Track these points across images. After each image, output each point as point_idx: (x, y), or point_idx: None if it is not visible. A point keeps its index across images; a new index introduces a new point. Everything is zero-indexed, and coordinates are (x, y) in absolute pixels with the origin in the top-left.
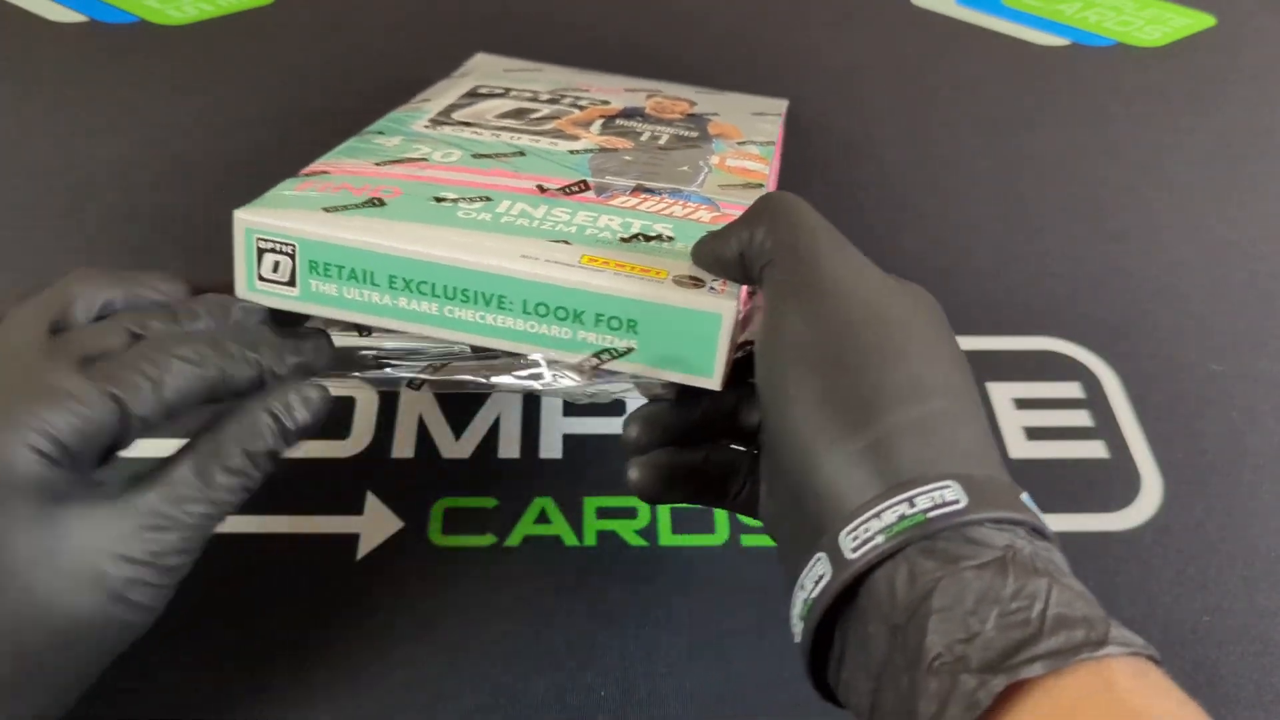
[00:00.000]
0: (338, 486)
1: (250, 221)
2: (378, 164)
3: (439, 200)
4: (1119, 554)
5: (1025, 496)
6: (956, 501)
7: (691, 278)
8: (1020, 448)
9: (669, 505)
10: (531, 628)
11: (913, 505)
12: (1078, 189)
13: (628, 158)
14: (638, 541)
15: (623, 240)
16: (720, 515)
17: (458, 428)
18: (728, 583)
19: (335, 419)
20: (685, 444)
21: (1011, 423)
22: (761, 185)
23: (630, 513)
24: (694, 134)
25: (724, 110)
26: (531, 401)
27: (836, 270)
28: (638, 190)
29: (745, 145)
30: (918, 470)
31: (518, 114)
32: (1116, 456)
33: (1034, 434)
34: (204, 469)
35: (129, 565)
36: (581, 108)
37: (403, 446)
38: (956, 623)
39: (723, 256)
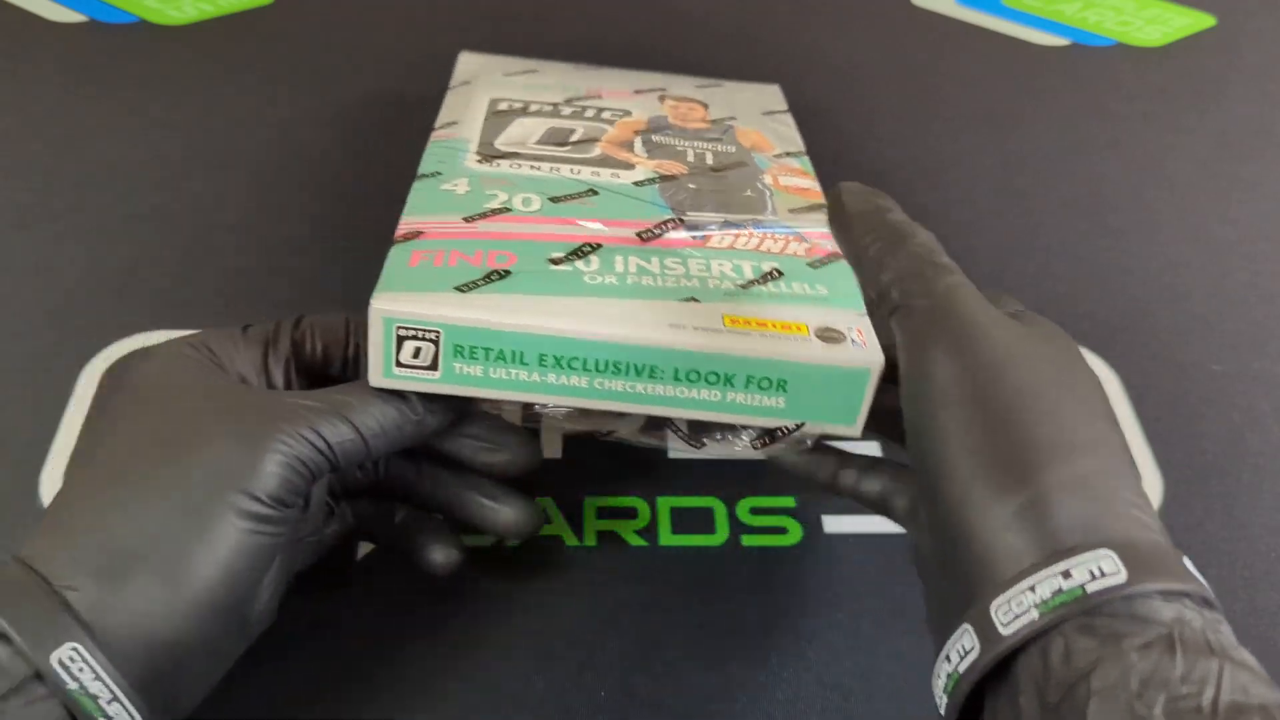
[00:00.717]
0: None
1: (389, 311)
2: (467, 219)
3: (555, 263)
4: None
5: (1186, 560)
6: (1116, 573)
7: (830, 329)
8: None
9: (673, 503)
10: (531, 628)
11: (1069, 577)
12: (1078, 189)
13: (692, 185)
14: (638, 541)
15: (742, 287)
16: (720, 515)
17: None
18: (728, 583)
19: None
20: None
21: None
22: (818, 203)
23: (630, 513)
24: (732, 148)
25: (735, 112)
26: None
27: (976, 315)
28: (725, 226)
29: (783, 159)
30: (1076, 535)
31: (557, 137)
32: None
33: None
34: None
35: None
36: (608, 121)
37: None
38: (1120, 708)
39: (865, 279)
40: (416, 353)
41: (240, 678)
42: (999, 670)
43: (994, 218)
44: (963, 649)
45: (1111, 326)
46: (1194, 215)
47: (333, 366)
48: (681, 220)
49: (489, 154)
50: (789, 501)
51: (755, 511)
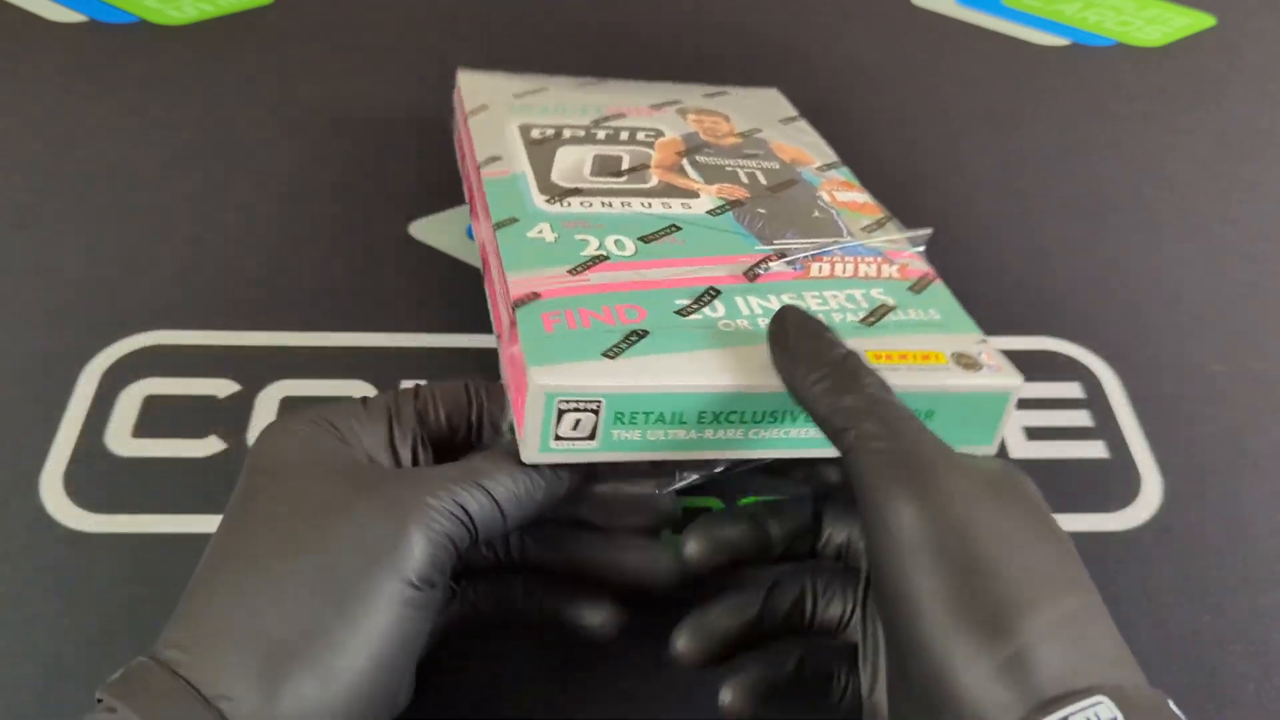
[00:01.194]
0: None
1: (552, 386)
2: (572, 272)
3: (683, 314)
4: (1119, 554)
5: (1171, 704)
6: (1114, 719)
7: (964, 355)
8: (1020, 447)
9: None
10: (531, 628)
11: None
12: (1077, 188)
13: (762, 210)
14: None
15: (866, 320)
16: None
17: None
18: (727, 583)
19: None
20: (767, 646)
21: (1012, 422)
22: (881, 217)
23: None
24: (776, 165)
25: (759, 122)
26: None
27: (936, 461)
28: (812, 253)
29: (826, 171)
30: (1065, 683)
31: (609, 167)
32: (1116, 456)
33: (1034, 434)
34: None
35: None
36: (645, 144)
37: None
38: None
39: (814, 410)
40: (576, 424)
41: None
42: None
43: (994, 218)
44: None
45: (1111, 326)
46: (1194, 215)
47: (457, 435)
48: (775, 254)
49: (554, 192)
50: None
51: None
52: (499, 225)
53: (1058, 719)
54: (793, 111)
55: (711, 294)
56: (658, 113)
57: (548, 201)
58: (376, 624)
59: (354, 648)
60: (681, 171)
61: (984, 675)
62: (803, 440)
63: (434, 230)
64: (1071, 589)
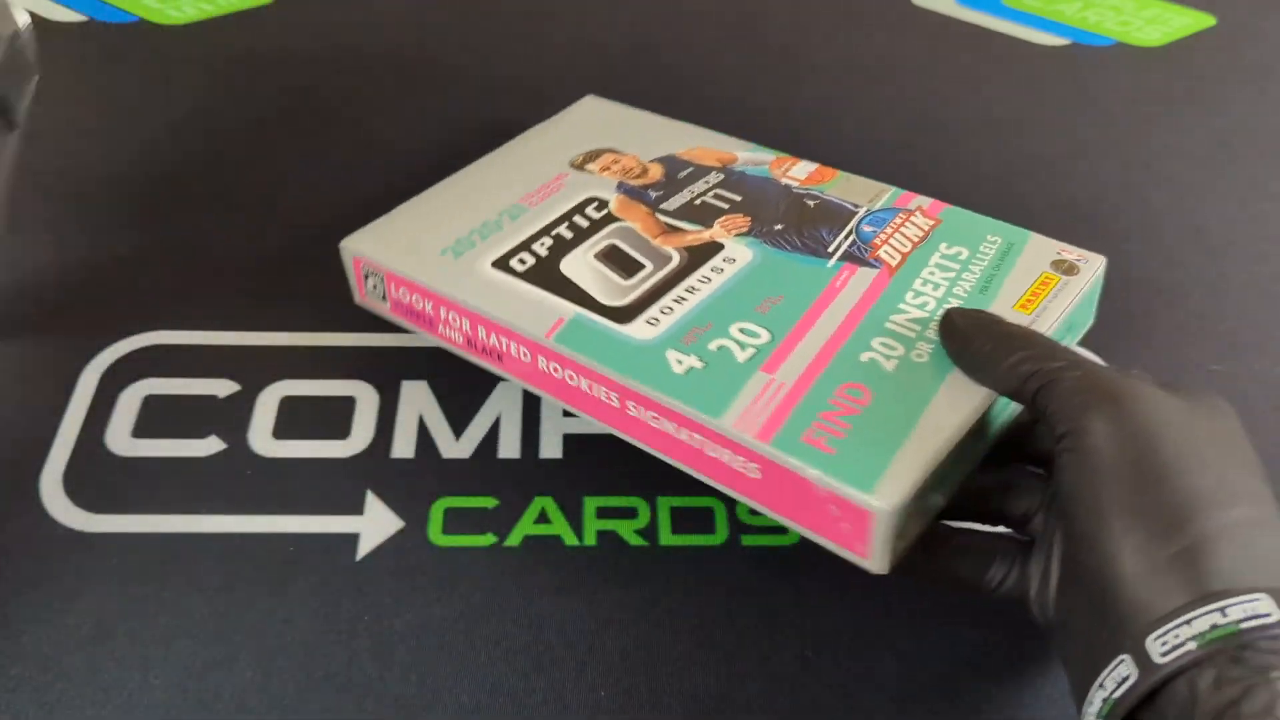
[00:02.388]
0: (338, 486)
1: (891, 508)
2: (758, 390)
3: (887, 369)
4: None
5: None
6: (1269, 615)
7: (1059, 262)
8: None
9: (673, 503)
10: (531, 628)
11: (1225, 615)
12: (1077, 189)
13: (778, 227)
14: (638, 541)
15: (980, 288)
16: (720, 515)
17: (458, 428)
18: (728, 583)
19: (335, 419)
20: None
21: None
22: (840, 178)
23: (630, 513)
24: (719, 175)
25: (629, 142)
26: (531, 401)
27: (1131, 382)
28: (869, 242)
29: (759, 159)
30: (1228, 580)
31: (619, 261)
32: None
33: None
34: None
35: None
36: (612, 218)
37: (403, 446)
38: None
39: (998, 371)
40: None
41: (237, 677)
42: (1147, 700)
43: (994, 218)
44: (1119, 677)
45: (1111, 327)
46: (1194, 215)
47: None
48: (840, 258)
49: (621, 316)
50: None
51: (755, 511)
52: (640, 378)
53: (1217, 608)
54: (619, 107)
55: (872, 334)
56: (562, 178)
57: (629, 325)
58: None
59: None
60: (675, 229)
61: (1151, 565)
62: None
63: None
64: (1249, 500)
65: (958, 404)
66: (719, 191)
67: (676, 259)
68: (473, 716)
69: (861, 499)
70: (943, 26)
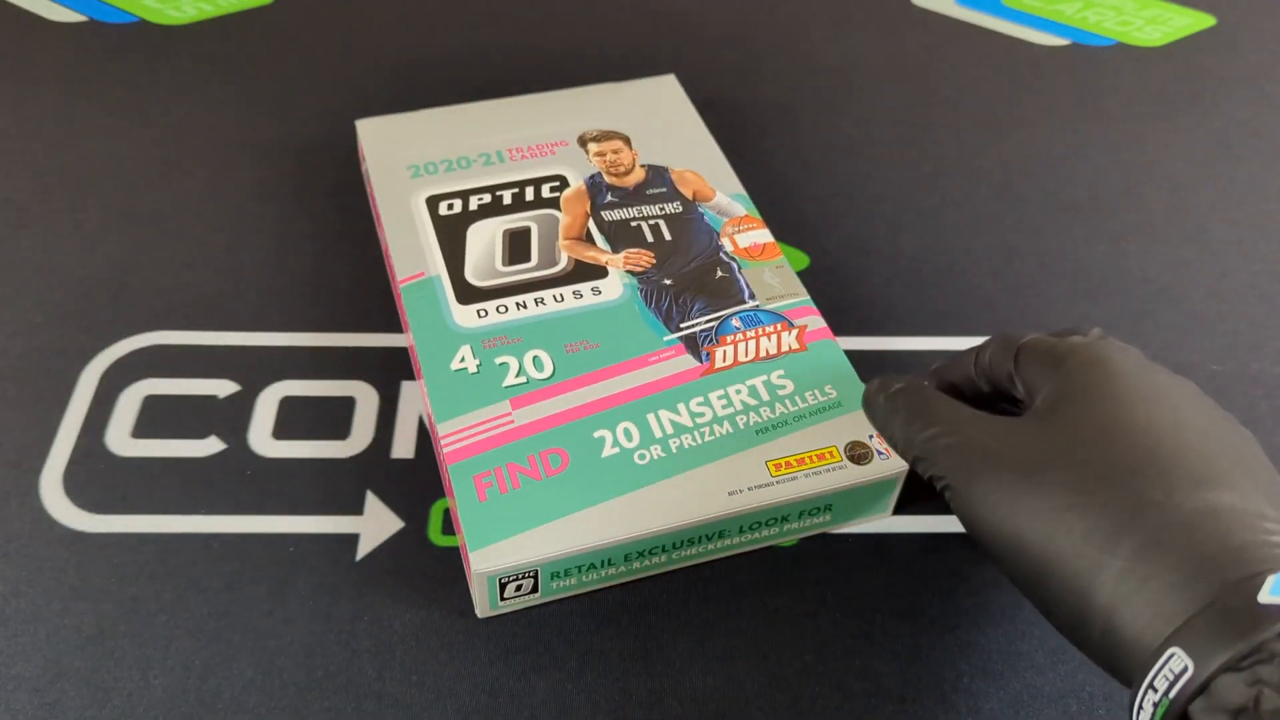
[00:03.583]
0: (338, 486)
1: (492, 570)
2: (498, 412)
3: (605, 454)
4: None
5: (1273, 585)
6: (1185, 670)
7: (858, 445)
8: None
9: None
10: (531, 628)
11: (1155, 690)
12: (1077, 189)
13: (668, 280)
14: None
15: (770, 421)
16: None
17: None
18: (728, 583)
19: (336, 419)
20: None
21: None
22: (779, 261)
23: None
24: (678, 206)
25: (656, 138)
26: None
27: (994, 448)
28: (718, 330)
29: (727, 205)
30: (1152, 636)
31: (519, 249)
32: None
33: None
34: None
35: None
36: (552, 202)
37: (403, 446)
38: None
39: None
40: (519, 588)
41: (237, 677)
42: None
43: (993, 219)
44: (1171, 673)
45: (1111, 327)
46: (1194, 215)
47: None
48: (681, 344)
49: (469, 296)
50: None
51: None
52: (424, 356)
53: (1146, 685)
54: (687, 104)
55: (626, 417)
56: (560, 146)
57: (462, 305)
58: None
59: None
60: (589, 239)
61: (1096, 651)
62: (720, 548)
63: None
64: (1146, 507)
65: (628, 521)
66: (660, 223)
67: (562, 266)
68: (473, 717)
69: (471, 555)
70: (943, 26)
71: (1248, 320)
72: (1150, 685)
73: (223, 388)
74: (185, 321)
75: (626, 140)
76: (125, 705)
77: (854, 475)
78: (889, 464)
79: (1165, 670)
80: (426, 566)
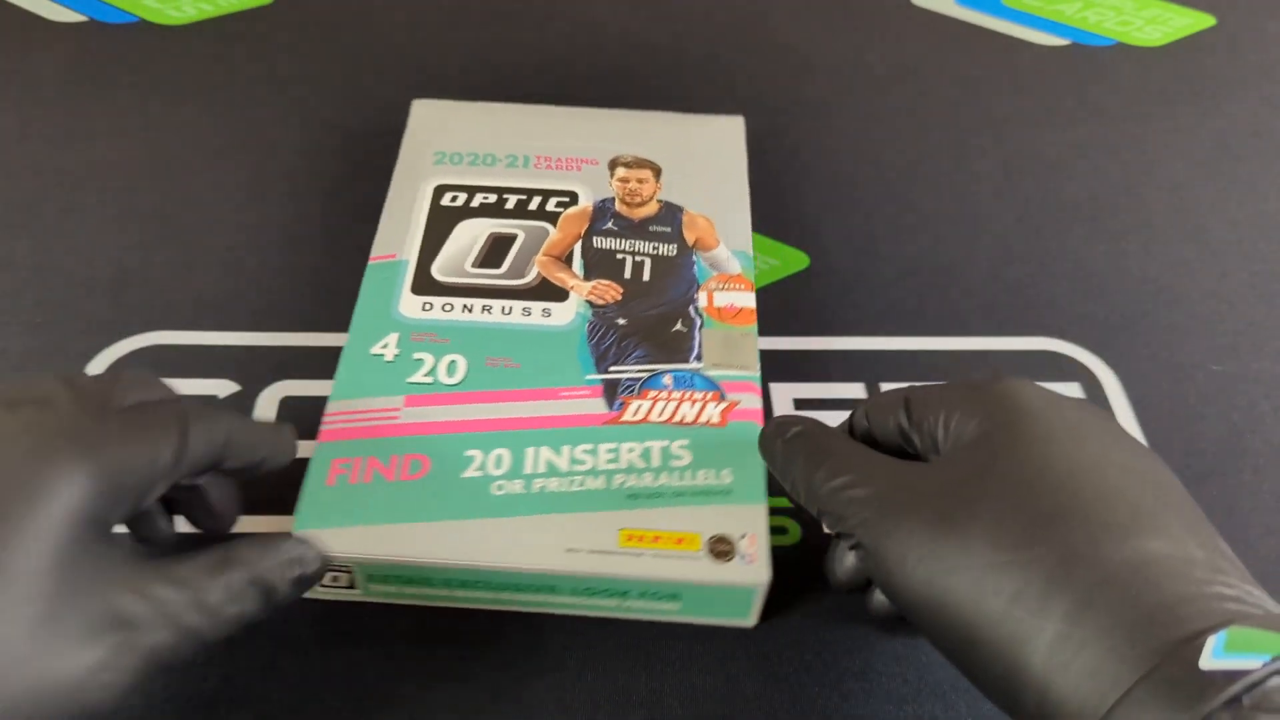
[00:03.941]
0: None
1: None
2: (390, 405)
3: (465, 475)
4: None
5: (1213, 648)
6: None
7: (722, 540)
8: None
9: None
10: (530, 628)
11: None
12: (1077, 189)
13: (621, 321)
14: None
15: (645, 488)
16: None
17: None
18: None
19: None
20: None
21: None
22: (751, 331)
23: None
24: (673, 250)
25: (689, 175)
26: None
27: (904, 499)
28: (645, 383)
29: (724, 261)
30: (1084, 717)
31: (497, 253)
32: None
33: None
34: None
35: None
36: (552, 216)
37: None
38: None
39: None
40: (335, 578)
41: (238, 677)
42: None
43: (994, 218)
44: None
45: (1111, 327)
46: (1193, 215)
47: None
48: (599, 385)
49: (424, 287)
50: (788, 502)
51: None
52: (351, 334)
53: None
54: (740, 152)
55: (502, 443)
56: (588, 164)
57: (413, 293)
58: None
59: None
60: (567, 262)
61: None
62: (551, 604)
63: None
64: (1079, 561)
65: (453, 547)
66: (645, 261)
67: (527, 281)
68: (473, 716)
69: (294, 532)
70: (943, 26)
71: (1248, 320)
72: None
73: (223, 388)
74: (185, 321)
75: (656, 172)
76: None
77: (704, 571)
78: (750, 571)
79: None
80: None
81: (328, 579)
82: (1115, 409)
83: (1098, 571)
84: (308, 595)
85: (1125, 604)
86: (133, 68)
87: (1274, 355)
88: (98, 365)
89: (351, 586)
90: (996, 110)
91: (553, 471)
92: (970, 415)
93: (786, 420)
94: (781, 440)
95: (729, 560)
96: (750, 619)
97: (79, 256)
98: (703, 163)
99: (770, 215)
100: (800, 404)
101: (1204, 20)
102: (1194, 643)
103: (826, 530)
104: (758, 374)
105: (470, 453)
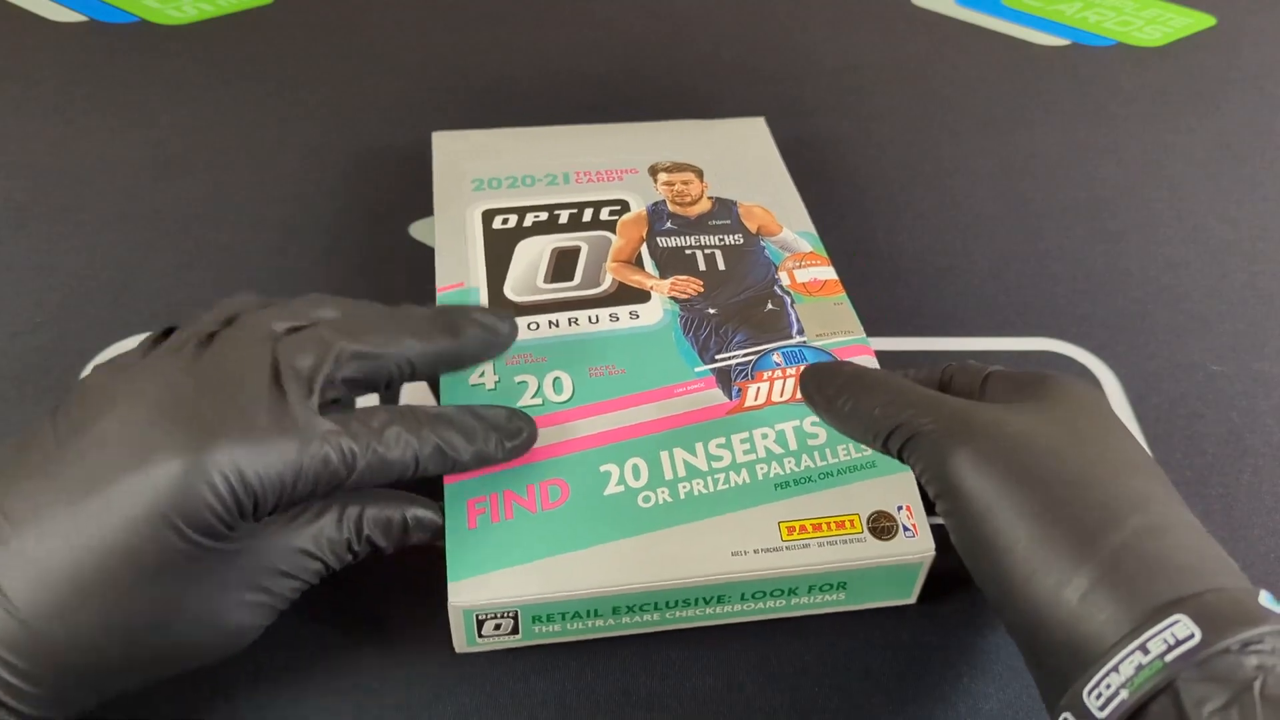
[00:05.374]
0: None
1: (469, 604)
2: None
3: (607, 492)
4: None
5: (1266, 597)
6: (1191, 637)
7: (882, 517)
8: None
9: None
10: None
11: (1147, 652)
12: (1078, 189)
13: (712, 310)
14: None
15: (792, 475)
16: None
17: None
18: None
19: None
20: None
21: None
22: (843, 299)
23: None
24: (740, 238)
25: (733, 171)
26: None
27: (982, 417)
28: (755, 365)
29: (793, 243)
30: (1144, 603)
31: (565, 266)
32: None
33: None
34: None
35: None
36: (609, 224)
37: None
38: None
39: (860, 429)
40: (497, 626)
41: (239, 677)
42: None
43: (994, 218)
44: (1173, 638)
45: (1111, 327)
46: (1193, 215)
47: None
48: (713, 376)
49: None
50: None
51: None
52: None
53: (1137, 645)
54: (772, 148)
55: (636, 453)
56: (629, 173)
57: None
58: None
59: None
60: (639, 264)
61: (1067, 611)
62: (719, 614)
63: (434, 231)
64: (1137, 504)
65: (621, 570)
66: (715, 253)
67: (604, 288)
68: (473, 716)
69: (450, 585)
70: (943, 26)
71: (1248, 320)
72: (1141, 646)
73: None
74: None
75: (698, 173)
76: (122, 703)
77: (872, 551)
78: (916, 544)
79: (1166, 634)
80: (427, 565)
81: (489, 628)
82: (1115, 408)
83: (1172, 514)
84: (474, 649)
85: (1201, 542)
86: (133, 68)
87: (1274, 355)
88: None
89: (514, 632)
90: (996, 110)
91: (693, 473)
92: (1045, 387)
93: (830, 364)
94: (842, 376)
95: (893, 537)
96: (913, 595)
97: (79, 256)
98: (740, 162)
99: None
100: None
101: (1204, 20)
102: (1253, 590)
103: (881, 448)
104: (864, 335)
105: (605, 468)
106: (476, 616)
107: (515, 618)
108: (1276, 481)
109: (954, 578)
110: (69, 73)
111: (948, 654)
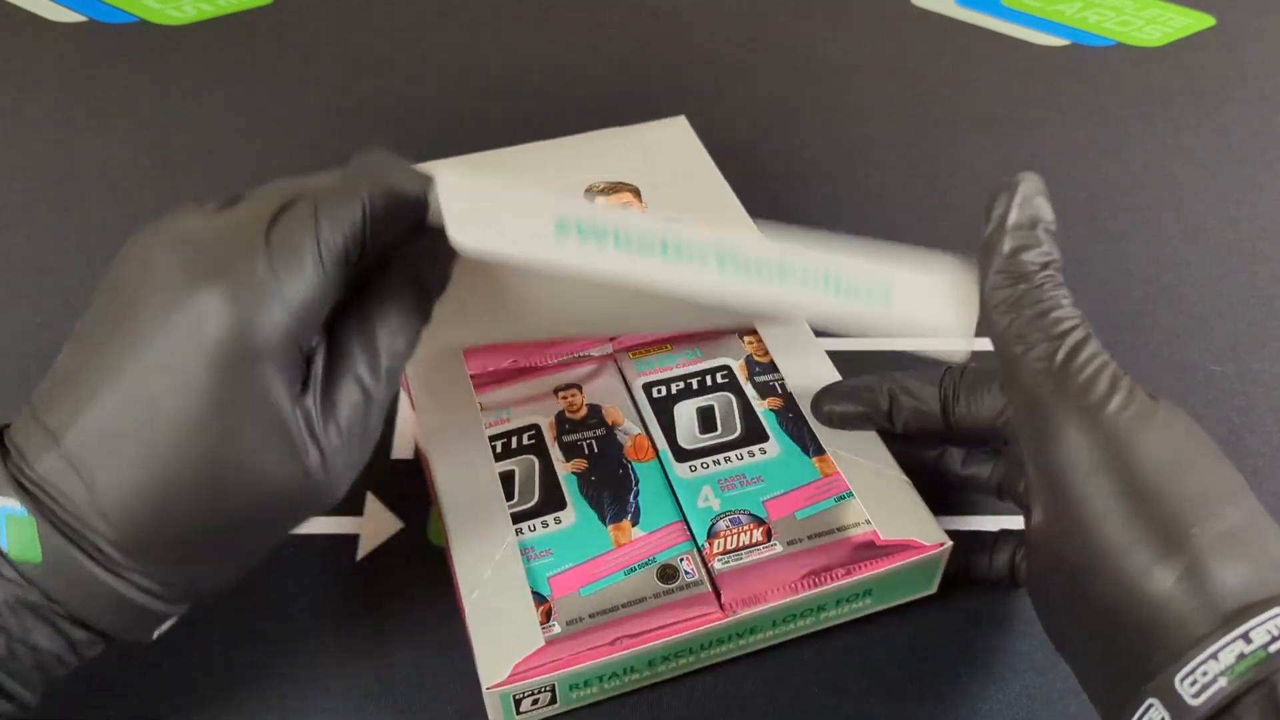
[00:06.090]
0: None
1: (504, 688)
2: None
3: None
4: None
5: None
6: None
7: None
8: None
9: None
10: None
11: (1249, 641)
12: (1077, 189)
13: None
14: None
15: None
16: None
17: None
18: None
19: None
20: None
21: None
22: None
23: None
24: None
25: (664, 182)
26: None
27: (1099, 383)
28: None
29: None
30: (1243, 595)
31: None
32: None
33: None
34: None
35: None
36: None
37: (403, 446)
38: None
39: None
40: (536, 701)
41: (238, 677)
42: None
43: None
44: (1277, 629)
45: (1111, 328)
46: (1193, 216)
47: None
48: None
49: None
50: None
51: None
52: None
53: (1239, 634)
54: (698, 146)
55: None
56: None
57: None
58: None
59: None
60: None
61: (1160, 592)
62: (757, 641)
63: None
64: (1234, 500)
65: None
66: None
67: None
68: (473, 717)
69: (481, 675)
70: (943, 26)
71: (1248, 320)
72: (1244, 635)
73: None
74: None
75: (636, 193)
76: (118, 704)
77: (896, 557)
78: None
79: (1271, 625)
80: (426, 567)
81: (528, 703)
82: None
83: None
84: None
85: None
86: (133, 68)
87: (1274, 355)
88: None
89: (553, 702)
90: (996, 110)
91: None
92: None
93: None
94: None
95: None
96: (934, 584)
97: (79, 256)
98: (672, 170)
99: (770, 214)
100: None
101: (1204, 20)
102: None
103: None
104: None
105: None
106: (514, 697)
107: (553, 690)
108: (1276, 481)
109: (955, 578)
110: (69, 73)
111: (948, 654)
